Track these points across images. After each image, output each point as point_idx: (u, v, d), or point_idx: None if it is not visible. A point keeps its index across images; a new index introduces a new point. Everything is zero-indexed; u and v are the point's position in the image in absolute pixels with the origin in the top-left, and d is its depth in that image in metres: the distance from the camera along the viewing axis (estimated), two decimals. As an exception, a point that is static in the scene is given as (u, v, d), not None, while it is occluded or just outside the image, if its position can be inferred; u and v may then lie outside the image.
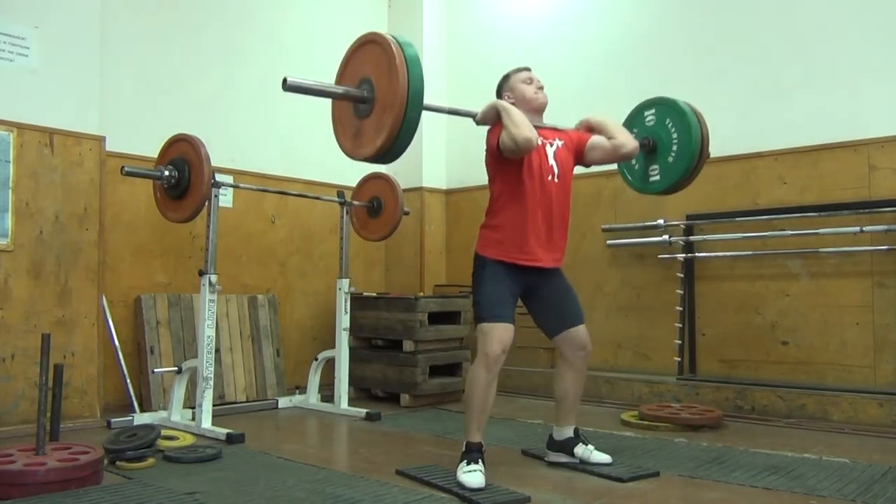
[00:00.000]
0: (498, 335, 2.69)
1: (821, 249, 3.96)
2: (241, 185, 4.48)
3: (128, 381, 4.06)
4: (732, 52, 4.37)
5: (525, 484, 2.65)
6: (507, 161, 2.75)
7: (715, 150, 4.37)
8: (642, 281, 4.65)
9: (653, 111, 3.23)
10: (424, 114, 6.35)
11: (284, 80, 2.26)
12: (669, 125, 3.13)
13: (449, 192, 5.77)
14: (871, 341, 3.83)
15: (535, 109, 2.93)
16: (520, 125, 2.64)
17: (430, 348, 4.63)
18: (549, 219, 2.80)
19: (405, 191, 4.92)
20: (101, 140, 3.94)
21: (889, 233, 3.76)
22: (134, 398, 4.04)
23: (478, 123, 2.84)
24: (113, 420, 3.77)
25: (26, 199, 3.67)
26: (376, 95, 2.32)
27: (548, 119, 3.03)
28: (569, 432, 2.96)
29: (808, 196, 4.06)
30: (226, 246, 4.53)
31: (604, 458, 2.89)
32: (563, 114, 5.43)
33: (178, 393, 3.87)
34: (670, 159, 3.09)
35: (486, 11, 5.65)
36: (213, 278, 3.68)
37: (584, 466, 2.88)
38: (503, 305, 2.76)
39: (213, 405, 3.74)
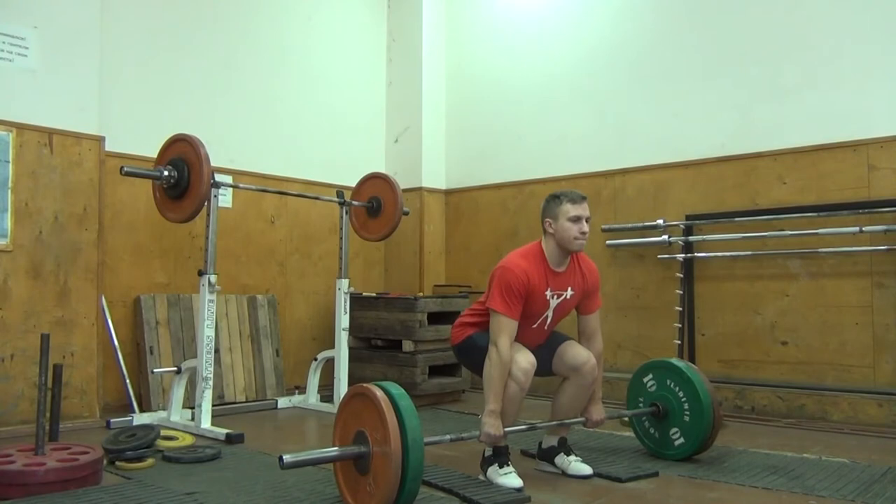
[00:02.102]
0: (521, 353, 2.66)
1: (820, 249, 3.96)
2: (241, 185, 4.48)
3: (127, 381, 4.06)
4: (733, 52, 4.37)
5: (525, 484, 2.65)
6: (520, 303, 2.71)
7: (715, 150, 4.41)
8: (642, 281, 4.65)
9: (650, 376, 3.21)
10: (424, 113, 6.33)
11: (280, 459, 2.16)
12: (672, 385, 3.11)
13: (448, 192, 5.77)
14: (870, 341, 3.83)
15: (568, 251, 2.76)
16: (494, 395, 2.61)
17: (429, 348, 4.63)
18: (531, 347, 2.79)
19: (405, 191, 4.93)
20: (100, 140, 3.94)
21: (888, 233, 3.76)
22: (133, 398, 4.04)
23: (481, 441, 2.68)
24: (112, 420, 3.77)
25: (25, 199, 3.67)
26: (372, 450, 2.22)
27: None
28: (552, 441, 2.92)
29: (808, 196, 4.06)
30: (225, 246, 4.53)
31: (582, 469, 2.81)
32: (563, 114, 5.46)
33: (178, 393, 3.86)
34: (686, 419, 3.04)
35: (486, 11, 5.64)
36: (213, 278, 3.68)
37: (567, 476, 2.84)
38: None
39: (213, 405, 3.74)
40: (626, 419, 3.30)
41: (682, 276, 4.41)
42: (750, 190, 4.27)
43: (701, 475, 2.81)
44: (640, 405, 3.21)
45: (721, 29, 4.43)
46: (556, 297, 2.78)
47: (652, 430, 3.18)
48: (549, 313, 2.81)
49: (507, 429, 2.67)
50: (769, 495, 2.55)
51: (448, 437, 2.64)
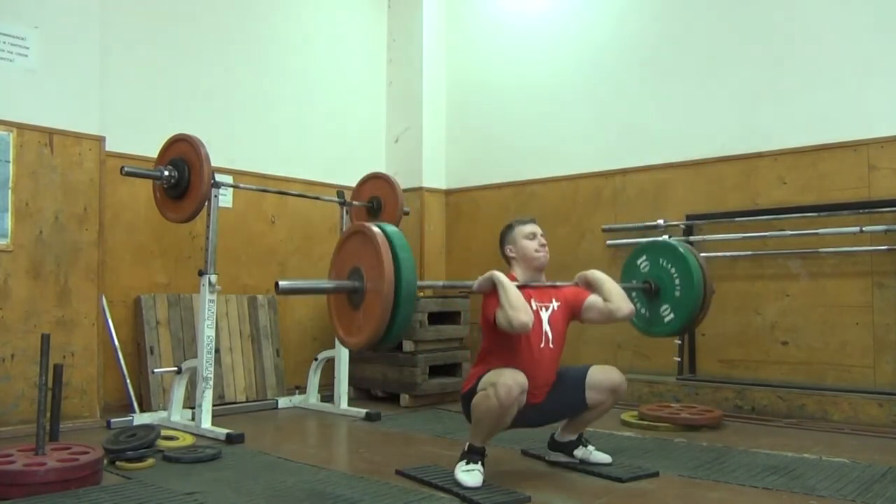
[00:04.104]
0: (511, 373, 2.58)
1: (821, 249, 3.96)
2: (241, 185, 4.48)
3: (127, 381, 4.06)
4: (733, 53, 4.37)
5: (525, 484, 2.65)
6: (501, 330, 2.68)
7: (715, 150, 4.41)
8: (642, 281, 4.64)
9: (644, 257, 3.23)
10: (424, 113, 6.33)
11: (276, 285, 2.19)
12: (664, 264, 3.13)
13: (449, 192, 5.77)
14: (870, 341, 3.83)
15: (536, 268, 2.86)
16: (516, 307, 2.57)
17: (429, 348, 4.63)
18: (536, 377, 2.73)
19: (405, 191, 4.93)
20: (100, 140, 3.94)
21: (889, 233, 3.76)
22: (133, 398, 4.04)
23: (474, 292, 2.75)
24: (113, 420, 3.77)
25: (26, 199, 3.67)
26: (366, 285, 2.27)
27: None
28: (571, 436, 2.97)
29: (808, 196, 4.06)
30: (225, 246, 4.52)
31: (604, 457, 2.90)
32: (564, 114, 5.45)
33: (178, 393, 3.86)
34: (677, 294, 3.06)
35: (487, 11, 5.64)
36: (213, 278, 3.68)
37: (584, 466, 2.89)
38: None
39: (213, 405, 3.74)
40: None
41: (682, 276, 4.41)
42: (750, 190, 4.27)
43: (701, 475, 2.81)
44: (633, 284, 3.19)
45: (721, 29, 4.44)
46: (544, 308, 2.81)
47: (643, 310, 3.21)
48: (547, 328, 2.79)
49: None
50: (769, 495, 2.55)
51: (440, 283, 2.67)
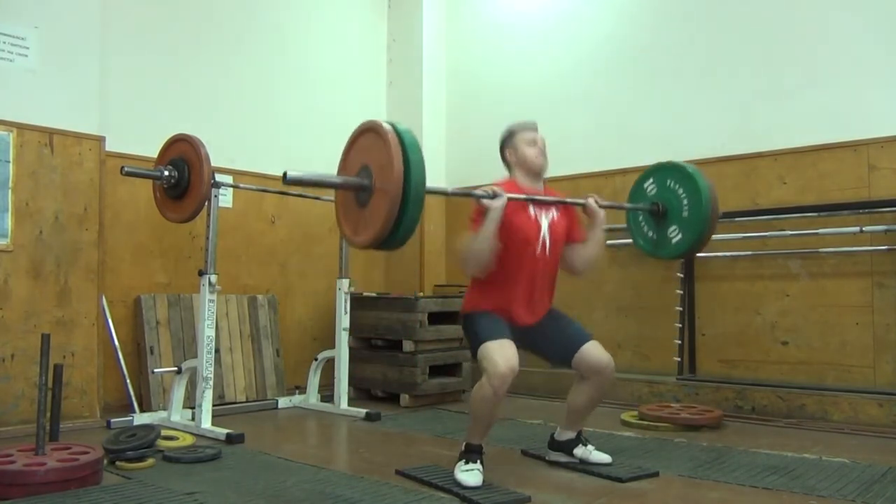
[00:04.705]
0: (503, 353, 2.60)
1: (821, 249, 3.96)
2: (241, 185, 4.48)
3: (127, 381, 4.06)
4: (733, 52, 4.37)
5: (525, 484, 2.65)
6: (499, 230, 2.71)
7: (715, 150, 4.41)
8: (642, 281, 4.64)
9: (651, 180, 3.18)
10: (424, 113, 6.32)
11: (284, 175, 2.20)
12: (671, 185, 3.07)
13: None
14: (870, 341, 3.83)
15: (535, 173, 2.91)
16: (477, 249, 2.66)
17: (429, 348, 4.62)
18: (532, 290, 2.79)
19: (405, 191, 4.92)
20: (100, 140, 3.94)
21: (889, 233, 3.76)
22: (134, 398, 4.04)
23: (476, 196, 2.76)
24: (113, 420, 3.77)
25: (26, 199, 3.67)
26: (374, 183, 2.27)
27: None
28: (571, 435, 2.97)
29: (808, 196, 4.06)
30: (226, 246, 4.52)
31: (604, 457, 2.90)
32: (564, 114, 5.45)
33: (178, 393, 3.86)
34: (685, 214, 3.00)
35: (487, 11, 5.64)
36: (213, 278, 3.68)
37: (584, 466, 2.89)
38: (503, 330, 2.71)
39: (213, 405, 3.74)
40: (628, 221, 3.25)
41: (682, 275, 4.41)
42: (750, 190, 4.27)
43: (701, 475, 2.81)
44: (642, 206, 3.16)
45: (721, 29, 4.43)
46: (543, 215, 2.84)
47: (650, 233, 3.16)
48: (546, 235, 2.82)
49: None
50: (769, 495, 2.55)
51: (449, 188, 2.66)
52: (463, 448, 2.71)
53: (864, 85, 3.92)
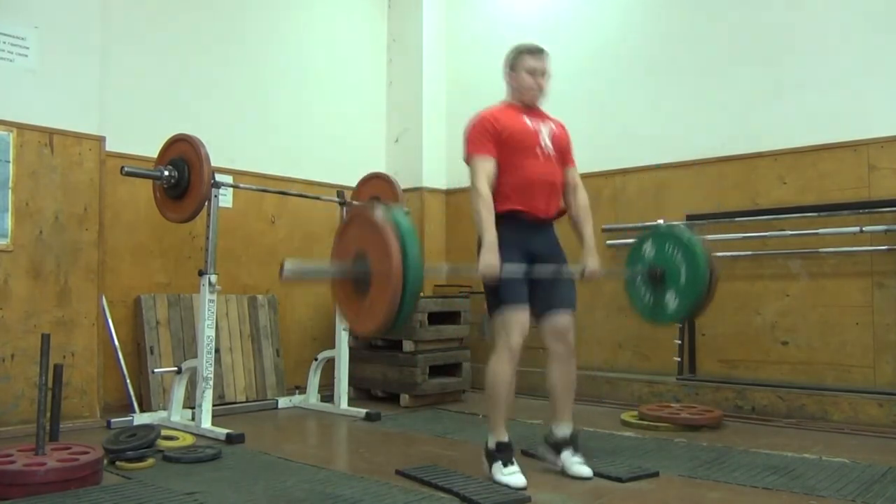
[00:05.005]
0: (520, 323, 2.68)
1: (821, 249, 3.96)
2: (241, 185, 4.48)
3: (127, 381, 4.06)
4: (732, 52, 4.37)
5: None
6: (499, 144, 2.78)
7: (715, 150, 4.41)
8: (642, 281, 4.64)
9: (649, 243, 3.18)
10: (424, 113, 6.32)
11: (281, 269, 2.19)
12: (669, 250, 3.07)
13: (449, 192, 5.77)
14: (870, 341, 3.83)
15: (526, 103, 2.91)
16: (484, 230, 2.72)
17: (430, 348, 4.62)
18: (542, 188, 2.83)
19: (405, 191, 4.92)
20: (101, 140, 3.94)
21: (889, 233, 3.76)
22: (134, 398, 4.04)
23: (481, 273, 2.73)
24: (113, 420, 3.77)
25: (26, 199, 3.67)
26: (373, 273, 2.24)
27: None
28: (565, 432, 2.88)
29: (808, 196, 4.06)
30: (226, 246, 4.52)
31: (583, 472, 2.77)
32: (563, 113, 5.44)
33: (178, 393, 3.86)
34: (682, 281, 3.00)
35: (487, 11, 5.64)
36: (213, 278, 3.68)
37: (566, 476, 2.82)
38: (521, 285, 2.74)
39: (213, 405, 3.74)
40: (628, 290, 3.26)
41: (682, 276, 4.41)
42: (750, 190, 4.27)
43: (701, 475, 2.81)
44: (639, 270, 3.17)
45: (721, 29, 4.43)
46: (541, 126, 2.86)
47: (647, 297, 3.15)
48: (546, 140, 2.85)
49: (505, 263, 2.66)
50: (769, 495, 2.55)
51: (445, 266, 2.64)
52: (493, 448, 2.72)
53: (864, 85, 3.92)
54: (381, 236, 2.22)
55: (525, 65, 2.87)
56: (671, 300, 3.03)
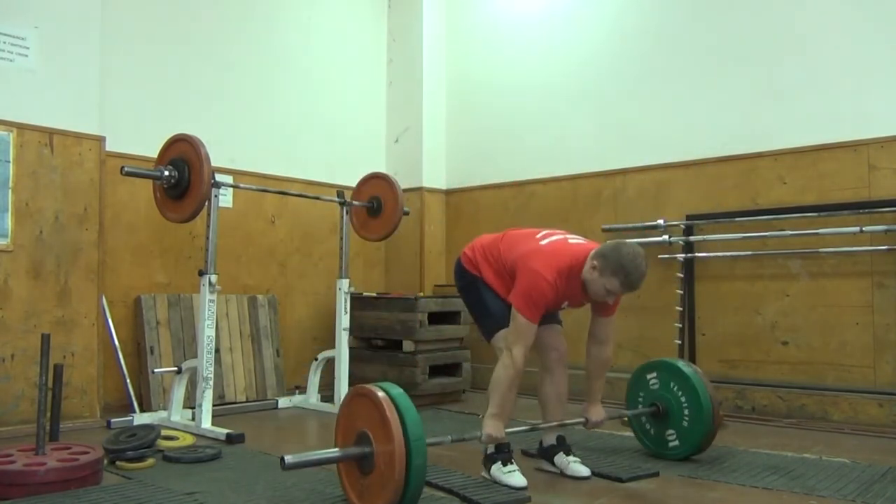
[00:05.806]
0: (522, 344, 2.68)
1: (821, 249, 3.95)
2: (241, 185, 4.48)
3: (127, 381, 4.06)
4: (733, 52, 4.37)
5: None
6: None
7: (715, 150, 4.41)
8: (642, 281, 4.64)
9: (654, 374, 3.21)
10: (424, 113, 6.32)
11: (282, 461, 2.16)
12: (675, 389, 3.10)
13: (449, 192, 5.77)
14: (871, 341, 3.83)
15: (580, 300, 2.81)
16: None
17: (429, 348, 4.63)
18: None
19: (405, 191, 4.92)
20: (101, 140, 3.94)
21: (889, 233, 3.76)
22: (134, 398, 4.04)
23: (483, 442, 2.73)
24: (113, 420, 3.77)
25: (26, 199, 3.67)
26: (376, 455, 2.22)
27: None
28: (551, 439, 2.90)
29: (808, 196, 4.06)
30: (226, 246, 4.52)
31: (580, 471, 2.79)
32: (564, 113, 5.45)
33: (178, 393, 3.87)
34: (685, 424, 3.04)
35: (487, 11, 5.64)
36: (213, 278, 3.68)
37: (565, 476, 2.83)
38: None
39: (213, 405, 3.74)
40: (626, 419, 3.30)
41: (682, 275, 4.41)
42: (750, 190, 4.27)
43: (701, 475, 2.81)
44: (640, 402, 3.21)
45: (721, 29, 4.43)
46: (569, 305, 2.87)
47: (650, 428, 3.19)
48: (557, 311, 2.94)
49: (508, 430, 2.69)
50: (769, 495, 2.55)
51: (449, 437, 2.63)
52: (493, 449, 2.73)
53: (864, 85, 3.91)
54: (381, 416, 2.19)
55: (612, 284, 2.63)
56: (671, 439, 3.09)
